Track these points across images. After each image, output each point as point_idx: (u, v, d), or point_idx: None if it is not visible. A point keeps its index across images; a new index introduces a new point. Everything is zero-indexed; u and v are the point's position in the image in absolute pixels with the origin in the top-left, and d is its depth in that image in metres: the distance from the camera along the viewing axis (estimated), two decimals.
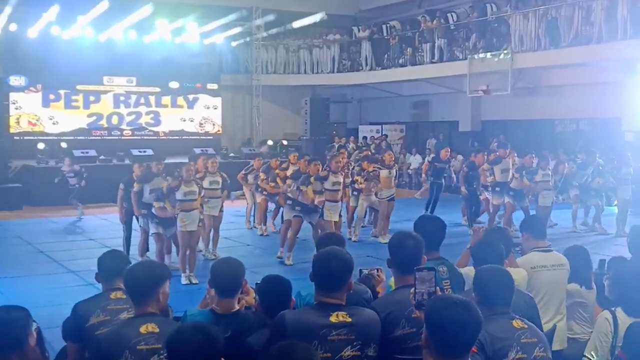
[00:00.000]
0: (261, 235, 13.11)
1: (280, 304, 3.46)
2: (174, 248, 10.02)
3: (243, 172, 13.85)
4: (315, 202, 10.36)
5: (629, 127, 16.90)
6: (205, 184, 10.29)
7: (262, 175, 12.81)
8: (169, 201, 9.14)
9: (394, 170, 12.76)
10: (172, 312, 3.89)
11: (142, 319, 3.25)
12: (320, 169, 10.74)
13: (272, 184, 12.20)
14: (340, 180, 10.86)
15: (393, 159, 13.00)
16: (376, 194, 12.40)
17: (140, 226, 10.23)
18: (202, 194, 9.58)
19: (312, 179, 10.41)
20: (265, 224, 13.26)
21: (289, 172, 11.92)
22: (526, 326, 3.32)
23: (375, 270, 4.25)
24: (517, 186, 12.41)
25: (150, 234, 9.80)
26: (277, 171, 12.47)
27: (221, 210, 10.91)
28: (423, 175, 15.06)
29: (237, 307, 3.57)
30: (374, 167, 12.44)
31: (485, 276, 3.45)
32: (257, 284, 3.71)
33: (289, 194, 10.67)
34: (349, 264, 3.25)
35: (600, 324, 3.89)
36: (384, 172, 12.40)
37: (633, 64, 16.15)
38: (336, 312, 3.13)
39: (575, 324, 4.95)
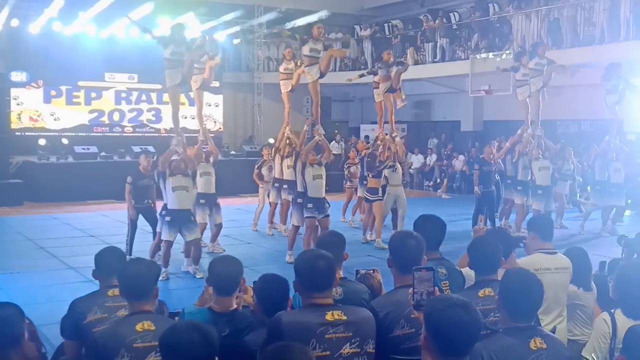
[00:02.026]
0: (271, 235, 12.98)
1: (278, 303, 3.45)
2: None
3: (256, 169, 13.45)
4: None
5: (631, 128, 16.87)
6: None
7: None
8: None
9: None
10: (167, 309, 3.89)
11: (138, 317, 3.24)
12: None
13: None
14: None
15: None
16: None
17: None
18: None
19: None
20: (285, 223, 12.79)
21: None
22: (545, 345, 3.04)
23: (372, 270, 4.24)
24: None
25: (163, 238, 9.46)
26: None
27: None
28: (475, 188, 12.94)
29: (235, 305, 3.56)
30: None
31: (511, 280, 3.21)
32: (254, 282, 3.70)
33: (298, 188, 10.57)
34: (333, 261, 3.27)
35: (598, 325, 3.88)
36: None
37: (635, 65, 16.11)
38: (331, 311, 3.14)
39: (574, 326, 4.93)
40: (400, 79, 12.90)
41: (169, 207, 9.42)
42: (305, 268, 3.22)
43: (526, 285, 3.15)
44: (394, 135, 12.67)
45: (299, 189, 10.60)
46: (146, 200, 10.37)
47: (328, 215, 10.46)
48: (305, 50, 11.36)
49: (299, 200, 10.55)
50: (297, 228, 10.67)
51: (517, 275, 3.26)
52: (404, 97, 13.01)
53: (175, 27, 10.31)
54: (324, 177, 10.53)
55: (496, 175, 13.47)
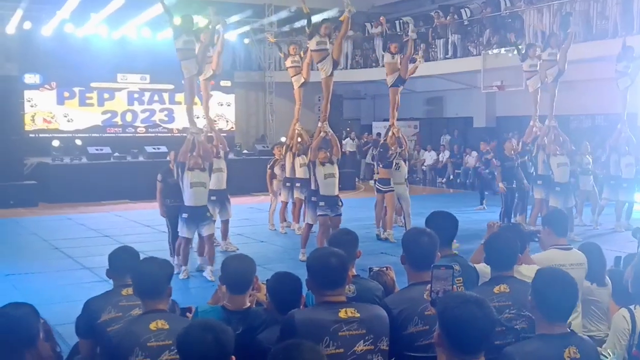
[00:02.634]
0: (284, 233, 12.96)
1: (291, 301, 3.45)
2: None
3: (268, 169, 13.42)
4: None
5: None
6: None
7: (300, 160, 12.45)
8: None
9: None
10: (178, 307, 3.90)
11: (152, 316, 3.25)
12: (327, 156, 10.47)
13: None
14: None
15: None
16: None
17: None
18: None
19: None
20: (298, 222, 12.71)
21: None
22: (578, 356, 2.91)
23: (385, 268, 4.23)
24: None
25: (180, 235, 9.40)
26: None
27: None
28: (500, 184, 12.85)
29: (248, 303, 3.56)
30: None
31: (546, 280, 3.08)
32: (267, 280, 3.69)
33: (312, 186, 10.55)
34: (345, 259, 3.27)
35: (618, 322, 3.84)
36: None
37: None
38: (344, 309, 3.13)
39: (589, 322, 4.89)
40: (408, 68, 12.81)
41: (186, 203, 9.30)
42: (318, 266, 3.22)
43: (561, 284, 3.03)
44: (394, 130, 12.62)
45: (312, 187, 10.60)
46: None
47: (340, 214, 10.43)
48: (312, 44, 11.29)
49: (313, 198, 10.54)
50: (310, 226, 10.67)
51: (551, 274, 3.14)
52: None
53: (184, 17, 10.26)
54: (336, 175, 10.50)
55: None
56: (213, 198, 10.55)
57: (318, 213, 10.30)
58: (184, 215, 9.29)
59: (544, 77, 12.89)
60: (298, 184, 12.45)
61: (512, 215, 13.06)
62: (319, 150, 10.42)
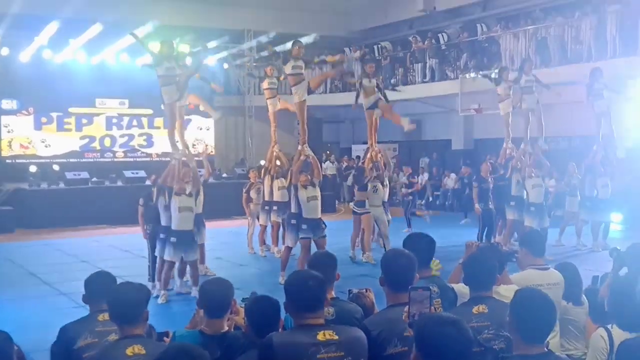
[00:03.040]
0: (264, 256, 12.92)
1: (269, 325, 3.42)
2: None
3: (244, 192, 13.42)
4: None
5: (620, 144, 16.93)
6: None
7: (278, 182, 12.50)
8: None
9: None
10: (155, 331, 3.86)
11: (128, 341, 3.22)
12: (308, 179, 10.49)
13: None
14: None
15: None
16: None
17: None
18: None
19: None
20: (277, 245, 12.74)
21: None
22: None
23: (365, 290, 4.22)
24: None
25: (165, 259, 9.44)
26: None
27: None
28: (476, 206, 13.03)
29: (226, 327, 3.54)
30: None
31: (524, 301, 3.07)
32: (245, 303, 3.67)
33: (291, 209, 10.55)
34: (324, 281, 3.26)
35: (596, 341, 3.87)
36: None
37: (622, 82, 16.24)
38: (323, 331, 3.12)
39: (566, 341, 4.92)
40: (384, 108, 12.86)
41: (173, 228, 9.38)
42: (296, 288, 3.21)
43: (539, 305, 3.02)
44: (373, 152, 12.68)
45: (292, 210, 10.58)
46: None
47: (325, 236, 10.44)
48: (288, 69, 11.34)
49: (292, 221, 10.52)
50: (289, 249, 10.64)
51: (529, 295, 3.13)
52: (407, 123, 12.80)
53: (164, 43, 10.29)
54: (319, 197, 10.53)
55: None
56: None
57: (300, 236, 10.29)
58: (172, 239, 9.31)
59: (517, 102, 13.03)
60: (275, 207, 12.45)
61: (493, 236, 13.17)
62: (300, 173, 10.43)
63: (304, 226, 10.24)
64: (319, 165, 11.39)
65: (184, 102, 11.14)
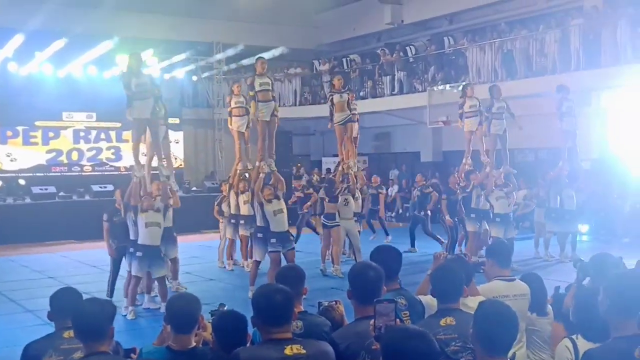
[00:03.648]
0: (231, 270, 12.87)
1: (236, 340, 3.41)
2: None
3: (215, 205, 13.36)
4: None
5: (586, 155, 17.21)
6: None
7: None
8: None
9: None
10: (122, 348, 3.81)
11: (94, 358, 3.17)
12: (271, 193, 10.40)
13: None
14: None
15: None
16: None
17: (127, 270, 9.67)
18: None
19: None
20: (246, 259, 12.60)
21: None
22: None
23: (334, 302, 4.23)
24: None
25: (132, 274, 9.39)
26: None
27: None
28: (447, 217, 13.40)
29: (193, 343, 3.51)
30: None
31: (486, 312, 3.08)
32: (212, 319, 3.65)
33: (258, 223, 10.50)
34: (291, 295, 3.26)
35: (561, 352, 3.89)
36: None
37: (587, 95, 16.55)
38: (290, 345, 3.11)
39: (531, 352, 4.97)
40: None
41: (139, 242, 9.32)
42: (263, 303, 3.21)
43: (501, 317, 3.03)
44: (344, 166, 12.72)
45: (259, 223, 10.52)
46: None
47: (293, 248, 10.45)
48: (257, 86, 11.10)
49: (259, 235, 10.48)
50: (258, 263, 10.58)
51: (491, 307, 3.15)
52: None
53: (133, 56, 10.13)
54: (284, 210, 10.48)
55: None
56: None
57: (269, 249, 10.24)
58: (138, 253, 9.25)
59: (485, 129, 13.08)
60: (242, 221, 12.38)
61: (458, 247, 13.34)
62: (264, 187, 10.40)
63: (273, 240, 10.19)
64: (283, 179, 11.21)
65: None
